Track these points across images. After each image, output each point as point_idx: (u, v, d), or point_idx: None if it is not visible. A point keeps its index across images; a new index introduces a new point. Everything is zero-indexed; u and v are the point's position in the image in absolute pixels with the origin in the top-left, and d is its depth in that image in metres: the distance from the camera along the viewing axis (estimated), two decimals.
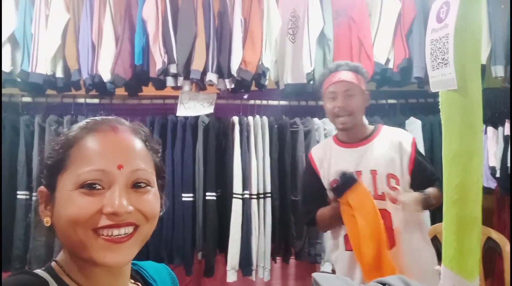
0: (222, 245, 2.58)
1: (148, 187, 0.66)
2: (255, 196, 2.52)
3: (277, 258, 2.65)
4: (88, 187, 0.62)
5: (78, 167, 0.63)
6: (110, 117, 0.70)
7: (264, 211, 2.55)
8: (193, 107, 2.62)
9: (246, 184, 2.52)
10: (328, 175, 1.72)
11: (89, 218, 0.61)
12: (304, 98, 2.67)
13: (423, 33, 2.41)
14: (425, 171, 1.68)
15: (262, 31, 2.43)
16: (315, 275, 1.11)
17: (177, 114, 2.56)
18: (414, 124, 2.51)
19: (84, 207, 0.61)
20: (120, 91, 2.70)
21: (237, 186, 2.51)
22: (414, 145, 1.69)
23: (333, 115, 1.70)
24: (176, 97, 2.63)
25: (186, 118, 2.60)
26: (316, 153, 1.82)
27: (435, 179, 1.67)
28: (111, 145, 0.65)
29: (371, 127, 1.76)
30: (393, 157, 1.65)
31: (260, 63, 2.43)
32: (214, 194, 2.54)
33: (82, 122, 0.69)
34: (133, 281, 0.72)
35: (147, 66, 2.49)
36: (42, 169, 0.68)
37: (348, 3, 2.51)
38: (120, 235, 0.62)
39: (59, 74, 2.49)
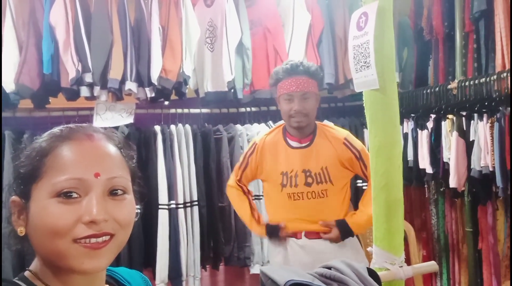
0: (148, 259, 2.50)
1: (125, 194, 0.66)
2: (181, 206, 2.50)
3: (207, 265, 2.64)
4: (64, 196, 0.62)
5: (54, 176, 0.62)
6: (84, 125, 0.70)
7: (192, 219, 2.53)
8: (111, 117, 2.51)
9: (172, 194, 2.49)
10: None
11: (67, 228, 0.61)
12: (225, 105, 2.74)
13: (331, 43, 2.64)
14: None
15: (181, 39, 2.43)
16: (262, 268, 1.15)
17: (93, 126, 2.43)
18: (328, 125, 2.72)
19: (61, 216, 0.61)
20: (24, 104, 2.48)
21: (163, 197, 2.46)
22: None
23: (289, 116, 1.79)
24: (90, 108, 2.50)
25: (104, 129, 2.48)
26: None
27: None
28: (87, 153, 0.65)
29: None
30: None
31: (181, 71, 2.43)
32: (137, 207, 2.45)
33: (56, 130, 0.68)
34: (107, 285, 0.72)
35: (58, 75, 2.33)
36: (13, 178, 0.66)
37: (262, 14, 2.65)
38: (98, 242, 0.62)
39: None
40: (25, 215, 0.64)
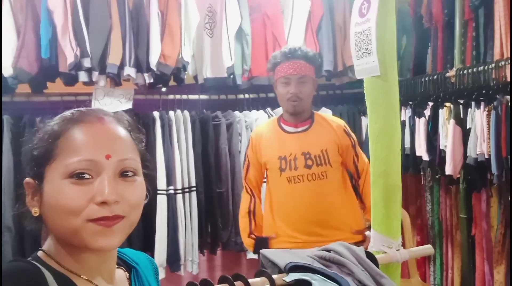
0: (147, 244, 2.53)
1: (136, 176, 0.68)
2: (180, 191, 2.52)
3: (205, 250, 2.68)
4: (77, 176, 0.63)
5: (67, 157, 0.64)
6: (94, 108, 0.72)
7: (190, 205, 2.56)
8: (109, 103, 2.50)
9: (170, 179, 2.50)
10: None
11: (81, 208, 0.62)
12: (224, 92, 2.74)
13: (331, 30, 2.64)
14: None
15: (180, 24, 2.42)
16: (263, 251, 1.18)
17: None
18: (326, 113, 2.74)
19: (74, 196, 0.62)
20: (22, 89, 2.47)
21: (161, 182, 2.48)
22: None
23: (286, 99, 1.81)
24: (88, 94, 2.49)
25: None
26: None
27: None
28: (98, 136, 0.66)
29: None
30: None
31: (180, 57, 2.42)
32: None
33: (67, 113, 0.69)
34: (116, 266, 0.74)
35: (56, 60, 2.32)
36: (27, 161, 0.67)
37: (262, 0, 2.63)
38: (110, 221, 0.64)
39: None
40: (39, 196, 0.66)
